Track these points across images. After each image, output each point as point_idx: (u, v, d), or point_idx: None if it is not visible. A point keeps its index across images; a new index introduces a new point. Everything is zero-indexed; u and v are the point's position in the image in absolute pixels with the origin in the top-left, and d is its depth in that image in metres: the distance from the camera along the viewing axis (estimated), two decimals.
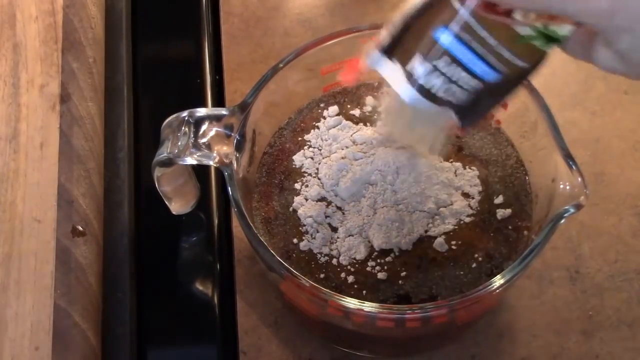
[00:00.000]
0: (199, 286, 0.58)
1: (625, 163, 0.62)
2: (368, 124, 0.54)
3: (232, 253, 0.59)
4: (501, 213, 0.50)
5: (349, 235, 0.50)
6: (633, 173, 0.62)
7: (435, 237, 0.49)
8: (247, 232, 0.48)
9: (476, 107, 0.42)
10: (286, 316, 0.56)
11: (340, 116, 0.54)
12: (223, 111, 0.51)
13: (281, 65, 0.52)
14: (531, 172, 0.52)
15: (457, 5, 0.39)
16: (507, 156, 0.53)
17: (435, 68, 0.40)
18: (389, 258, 0.49)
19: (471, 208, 0.50)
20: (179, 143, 0.49)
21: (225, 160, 0.49)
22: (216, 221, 0.60)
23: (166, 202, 0.55)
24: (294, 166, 0.53)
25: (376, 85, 0.56)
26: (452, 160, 0.52)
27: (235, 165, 0.49)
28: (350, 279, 0.48)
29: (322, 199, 0.51)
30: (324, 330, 0.53)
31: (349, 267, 0.49)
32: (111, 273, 0.58)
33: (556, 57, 0.41)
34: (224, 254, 0.59)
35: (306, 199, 0.51)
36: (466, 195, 0.51)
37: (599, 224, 0.60)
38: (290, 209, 0.51)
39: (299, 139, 0.54)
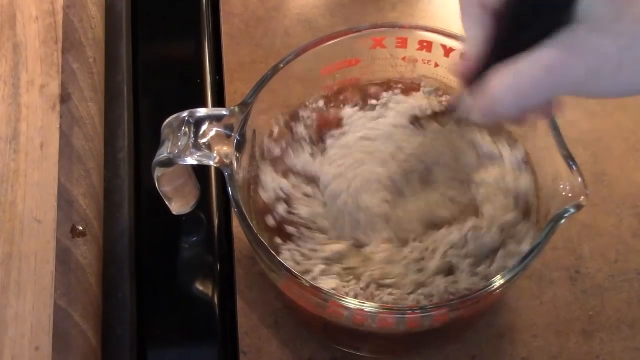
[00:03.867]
0: (199, 286, 0.58)
1: (625, 163, 0.62)
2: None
3: (232, 253, 0.59)
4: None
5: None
6: (633, 173, 0.62)
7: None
8: (247, 232, 0.47)
9: None
10: (286, 316, 0.56)
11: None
12: (223, 111, 0.50)
13: (281, 65, 0.52)
14: (531, 172, 0.52)
15: None
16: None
17: None
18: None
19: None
20: (179, 143, 0.49)
21: (225, 160, 0.49)
22: (216, 221, 0.60)
23: (166, 202, 0.55)
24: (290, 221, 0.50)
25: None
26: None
27: (235, 165, 0.49)
28: None
29: (340, 255, 0.49)
30: (324, 330, 0.53)
31: None
32: (111, 273, 0.58)
33: None
34: (224, 254, 0.59)
35: (323, 273, 0.48)
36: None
37: (599, 224, 0.60)
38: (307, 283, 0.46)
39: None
